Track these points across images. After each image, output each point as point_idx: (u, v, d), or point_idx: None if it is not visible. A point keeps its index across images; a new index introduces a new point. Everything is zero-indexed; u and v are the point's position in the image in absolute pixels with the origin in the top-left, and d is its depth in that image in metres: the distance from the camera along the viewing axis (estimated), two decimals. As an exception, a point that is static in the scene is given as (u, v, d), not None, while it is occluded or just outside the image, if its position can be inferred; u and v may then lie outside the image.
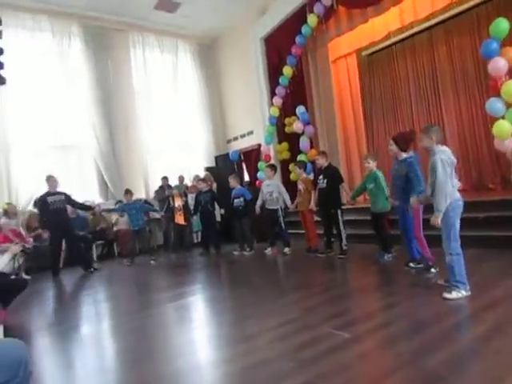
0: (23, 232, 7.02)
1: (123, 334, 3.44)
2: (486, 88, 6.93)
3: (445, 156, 3.23)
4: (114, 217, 8.63)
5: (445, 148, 3.33)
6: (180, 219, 7.98)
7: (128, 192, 7.56)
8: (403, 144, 4.25)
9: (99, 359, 2.95)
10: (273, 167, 6.91)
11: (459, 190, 3.33)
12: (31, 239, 6.86)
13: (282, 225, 6.61)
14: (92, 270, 6.83)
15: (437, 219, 3.22)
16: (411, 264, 4.37)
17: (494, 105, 5.04)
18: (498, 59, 5.00)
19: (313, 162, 7.29)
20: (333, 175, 5.74)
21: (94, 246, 8.15)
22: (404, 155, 4.23)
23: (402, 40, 8.43)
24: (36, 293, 5.35)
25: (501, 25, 5.05)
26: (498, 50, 5.08)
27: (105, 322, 3.98)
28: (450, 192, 3.19)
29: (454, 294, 3.17)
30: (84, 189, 8.92)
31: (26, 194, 7.94)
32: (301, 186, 6.24)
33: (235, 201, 7.11)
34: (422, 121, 8.35)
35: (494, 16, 6.50)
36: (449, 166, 3.21)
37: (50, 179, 6.76)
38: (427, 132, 3.38)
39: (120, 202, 8.44)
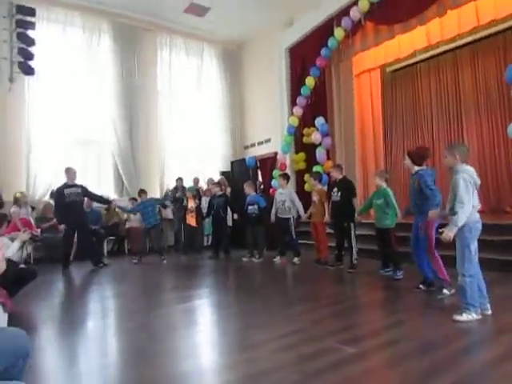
0: (32, 221, 7.10)
1: (127, 332, 3.44)
2: (509, 112, 6.86)
3: (467, 175, 3.19)
4: (125, 215, 8.71)
5: (469, 168, 3.27)
6: (191, 221, 8.01)
7: (143, 192, 7.61)
8: (417, 159, 4.21)
9: (101, 356, 2.94)
10: (285, 176, 6.90)
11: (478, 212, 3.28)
12: (39, 229, 6.91)
13: (293, 234, 6.60)
14: (102, 265, 6.85)
15: (450, 233, 3.13)
16: (421, 286, 4.27)
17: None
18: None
19: (328, 174, 7.28)
20: (347, 188, 5.71)
21: (105, 242, 8.23)
22: (416, 168, 4.21)
23: (427, 59, 8.41)
24: (44, 284, 5.36)
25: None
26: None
27: (110, 319, 3.99)
28: (469, 210, 3.13)
29: (465, 317, 3.12)
30: (100, 184, 9.06)
31: (44, 184, 8.08)
32: (315, 197, 6.23)
33: (249, 207, 7.12)
34: (442, 140, 8.30)
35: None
36: (471, 185, 3.17)
37: (69, 171, 6.83)
38: (451, 150, 3.34)
39: (133, 199, 8.50)
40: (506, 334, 2.90)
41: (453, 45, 7.80)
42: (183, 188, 8.72)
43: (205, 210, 7.99)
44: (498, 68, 7.35)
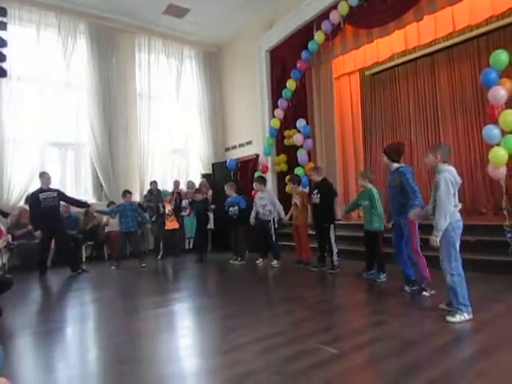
0: (3, 227, 6.87)
1: (107, 338, 3.37)
2: (484, 115, 7.05)
3: (449, 175, 3.24)
4: (105, 218, 8.55)
5: (451, 167, 3.33)
6: (172, 224, 7.87)
7: (127, 192, 7.45)
8: (394, 155, 4.25)
9: (81, 363, 2.87)
10: (260, 180, 6.89)
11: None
12: (9, 236, 6.67)
13: (273, 237, 6.58)
14: (80, 271, 6.71)
15: (436, 239, 3.21)
16: (407, 288, 4.28)
17: (491, 132, 5.10)
18: (498, 88, 5.06)
19: (309, 176, 7.31)
20: (326, 190, 5.75)
21: (83, 247, 8.06)
22: (395, 165, 4.23)
23: (405, 62, 8.56)
24: (20, 292, 5.24)
25: (500, 56, 5.14)
26: (497, 80, 5.17)
27: (88, 325, 3.91)
28: (451, 212, 3.19)
29: (458, 318, 3.16)
30: (78, 188, 8.89)
31: (19, 189, 7.84)
32: (297, 200, 6.23)
33: (230, 209, 7.08)
34: (419, 142, 8.47)
35: (493, 47, 6.71)
36: (453, 185, 3.22)
37: (44, 176, 6.66)
38: (433, 150, 3.41)
39: (112, 203, 8.35)
40: (481, 333, 2.97)
41: (430, 49, 7.98)
42: (158, 191, 8.62)
43: (185, 212, 7.93)
44: (473, 72, 7.54)
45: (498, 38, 7.11)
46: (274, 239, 6.59)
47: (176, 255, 7.93)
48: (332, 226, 5.65)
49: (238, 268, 6.69)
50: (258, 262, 6.72)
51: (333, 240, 5.63)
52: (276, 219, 6.69)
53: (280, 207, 6.65)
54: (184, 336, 3.38)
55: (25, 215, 7.28)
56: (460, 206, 3.32)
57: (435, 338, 2.86)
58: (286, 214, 6.61)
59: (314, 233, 6.08)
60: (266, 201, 6.61)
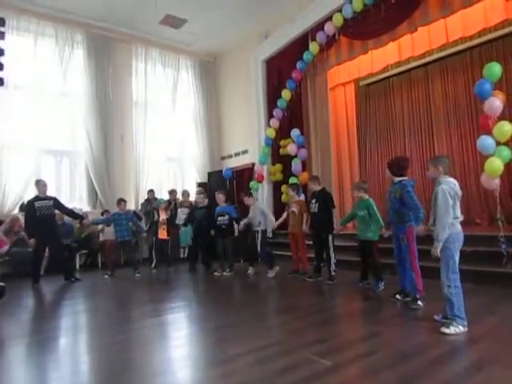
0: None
1: (100, 348, 3.34)
2: (477, 125, 7.11)
3: (447, 186, 3.26)
4: (100, 226, 8.49)
5: (451, 179, 3.35)
6: (163, 234, 7.75)
7: (122, 200, 7.40)
8: (396, 170, 4.28)
9: (73, 374, 2.82)
10: (248, 193, 7.00)
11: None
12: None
13: (258, 247, 6.52)
14: (73, 279, 6.65)
15: (436, 249, 3.23)
16: (398, 296, 4.32)
17: (486, 142, 5.12)
18: (493, 99, 5.11)
19: (304, 185, 7.32)
20: (324, 199, 5.74)
21: (77, 256, 7.99)
22: (397, 178, 4.26)
23: (400, 73, 8.66)
24: (13, 300, 5.19)
25: (494, 68, 5.20)
26: (491, 91, 5.21)
27: (82, 334, 3.86)
28: (449, 223, 3.20)
29: (452, 330, 3.14)
30: (73, 196, 8.86)
31: (14, 196, 7.81)
32: (295, 209, 6.21)
33: (219, 218, 6.90)
34: (414, 152, 8.51)
35: (486, 58, 6.83)
36: (451, 197, 3.23)
37: (39, 183, 6.62)
38: (434, 162, 3.42)
39: (106, 211, 8.31)
40: (477, 345, 2.95)
41: (423, 60, 8.08)
42: (155, 200, 8.59)
43: (181, 222, 7.89)
44: (467, 83, 7.64)
45: (491, 49, 7.23)
46: (259, 249, 6.52)
47: (168, 265, 7.81)
48: (330, 235, 5.63)
49: (231, 278, 6.64)
50: (248, 271, 6.69)
51: (331, 250, 5.61)
52: (269, 230, 6.68)
53: (270, 215, 6.74)
54: (177, 346, 3.35)
55: (17, 223, 7.22)
56: (461, 217, 3.32)
57: (430, 350, 2.84)
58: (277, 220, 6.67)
59: (312, 242, 6.03)
60: (254, 213, 6.66)
